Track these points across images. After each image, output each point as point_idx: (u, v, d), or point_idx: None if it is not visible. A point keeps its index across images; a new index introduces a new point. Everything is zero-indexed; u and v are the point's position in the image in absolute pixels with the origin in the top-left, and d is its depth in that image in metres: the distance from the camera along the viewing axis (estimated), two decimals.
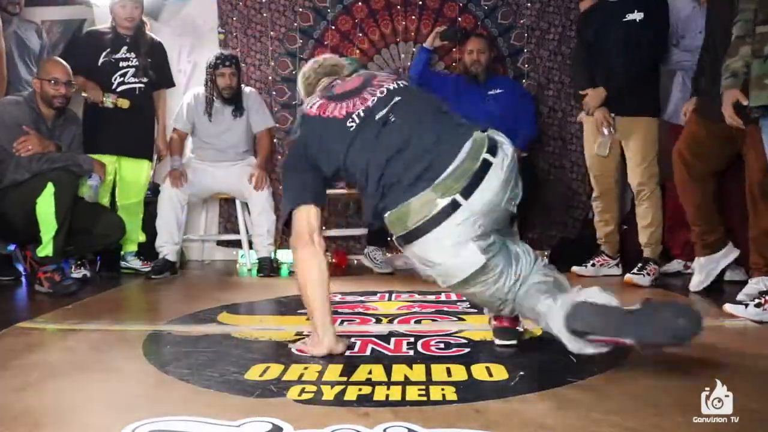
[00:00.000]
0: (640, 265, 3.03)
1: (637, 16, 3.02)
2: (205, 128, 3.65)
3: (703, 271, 2.80)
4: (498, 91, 3.73)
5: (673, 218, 3.30)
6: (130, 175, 3.51)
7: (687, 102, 3.03)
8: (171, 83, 3.76)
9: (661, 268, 3.28)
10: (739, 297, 2.44)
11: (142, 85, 3.50)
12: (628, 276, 2.99)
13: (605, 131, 3.08)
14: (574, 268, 3.30)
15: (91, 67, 3.26)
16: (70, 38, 3.50)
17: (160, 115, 3.68)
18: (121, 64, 3.43)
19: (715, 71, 2.66)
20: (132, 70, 3.45)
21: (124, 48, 3.44)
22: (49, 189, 2.87)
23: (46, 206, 2.87)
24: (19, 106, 3.04)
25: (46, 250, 2.90)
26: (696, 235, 2.81)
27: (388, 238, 3.66)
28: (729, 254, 2.76)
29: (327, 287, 1.74)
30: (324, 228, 3.73)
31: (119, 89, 3.42)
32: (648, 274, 2.98)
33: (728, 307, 2.24)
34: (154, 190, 3.87)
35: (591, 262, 3.30)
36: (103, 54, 3.40)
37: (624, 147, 3.16)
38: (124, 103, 3.35)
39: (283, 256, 3.71)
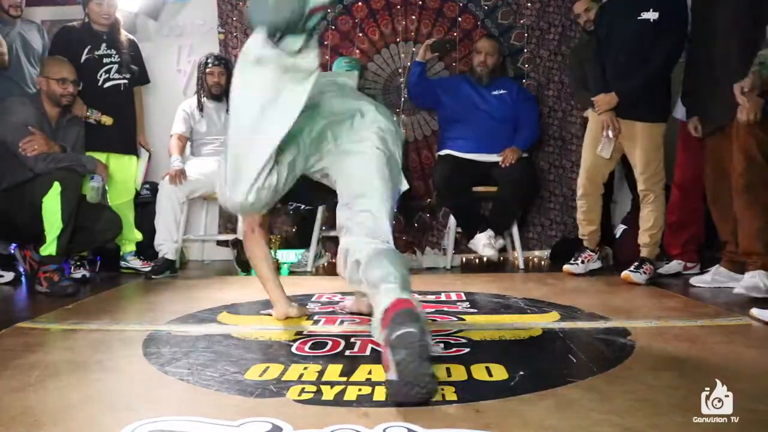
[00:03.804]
0: (636, 263, 3.05)
1: (652, 15, 2.89)
2: (202, 130, 3.76)
3: (714, 276, 2.88)
4: (502, 92, 3.74)
5: (673, 219, 3.31)
6: (118, 173, 3.53)
7: (690, 120, 3.05)
8: (147, 80, 3.82)
9: (661, 269, 3.31)
10: (737, 290, 2.52)
11: (125, 81, 3.55)
12: (625, 273, 3.01)
13: (610, 134, 3.05)
14: (566, 267, 3.32)
15: (75, 64, 3.25)
16: (52, 39, 3.53)
17: (138, 112, 3.71)
18: (105, 60, 3.47)
19: (711, 86, 2.69)
20: (116, 66, 3.50)
21: (104, 44, 3.47)
22: (56, 188, 2.88)
23: (52, 205, 2.88)
24: (24, 106, 3.05)
25: (49, 249, 2.90)
26: (726, 251, 2.88)
27: None
28: (744, 281, 2.78)
29: (270, 263, 2.25)
30: (324, 228, 3.80)
31: (105, 86, 3.45)
32: (644, 273, 3.00)
33: (755, 312, 2.14)
34: (153, 189, 3.88)
35: (580, 259, 3.31)
36: (85, 51, 3.42)
37: (627, 151, 3.13)
38: (108, 120, 3.38)
39: (283, 256, 3.71)
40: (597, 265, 3.34)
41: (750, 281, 2.51)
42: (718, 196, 2.89)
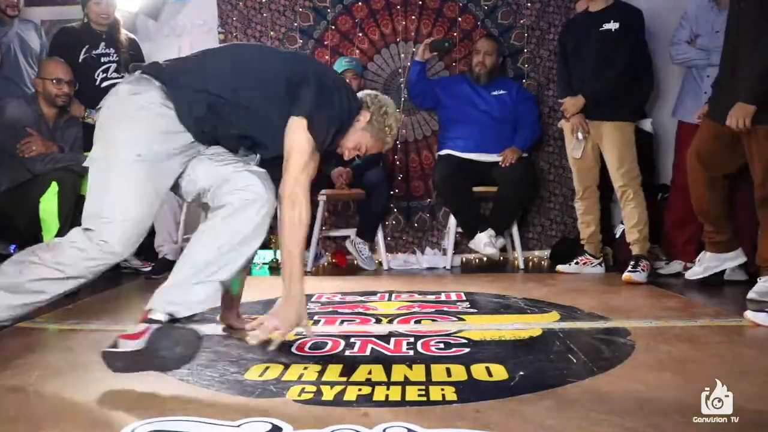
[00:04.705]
0: (633, 263, 3.09)
1: (613, 26, 3.14)
2: None
3: (703, 264, 2.89)
4: (501, 92, 3.75)
5: (673, 218, 3.31)
6: None
7: (702, 106, 3.06)
8: None
9: (661, 269, 3.32)
10: (750, 295, 2.49)
11: None
12: (626, 275, 3.04)
13: (579, 135, 3.21)
14: (559, 267, 3.43)
15: (73, 64, 3.24)
16: (51, 41, 3.53)
17: None
18: (102, 59, 3.46)
19: (734, 76, 2.69)
20: (114, 66, 3.49)
21: (102, 44, 3.46)
22: (53, 188, 2.88)
23: (49, 205, 2.88)
24: (21, 107, 3.05)
25: None
26: (705, 232, 2.88)
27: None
28: (736, 259, 2.84)
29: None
30: (325, 228, 3.79)
31: (103, 85, 3.44)
32: (643, 271, 3.05)
33: (749, 314, 2.14)
34: None
35: (574, 260, 3.41)
36: (83, 51, 3.42)
37: (603, 152, 3.24)
38: None
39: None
40: (598, 270, 3.38)
41: (763, 286, 2.52)
42: (698, 179, 2.81)
